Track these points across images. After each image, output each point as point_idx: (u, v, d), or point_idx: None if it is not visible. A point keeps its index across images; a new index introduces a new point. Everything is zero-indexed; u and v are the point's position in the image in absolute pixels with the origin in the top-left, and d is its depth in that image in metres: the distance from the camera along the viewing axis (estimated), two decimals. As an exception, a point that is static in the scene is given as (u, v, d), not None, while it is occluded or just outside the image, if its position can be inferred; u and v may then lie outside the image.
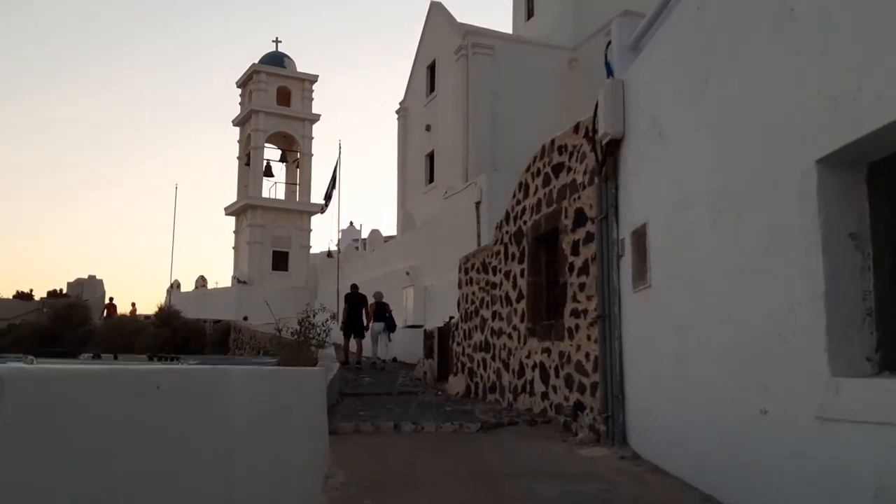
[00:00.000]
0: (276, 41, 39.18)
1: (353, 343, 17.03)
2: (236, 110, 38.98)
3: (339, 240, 32.55)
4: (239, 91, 39.30)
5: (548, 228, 8.79)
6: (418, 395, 12.25)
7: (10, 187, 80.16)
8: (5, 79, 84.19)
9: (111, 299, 37.34)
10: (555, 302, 8.90)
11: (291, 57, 39.01)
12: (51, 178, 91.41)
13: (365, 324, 17.24)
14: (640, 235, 6.10)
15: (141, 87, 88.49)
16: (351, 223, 46.48)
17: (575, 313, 7.87)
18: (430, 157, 24.46)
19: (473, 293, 11.56)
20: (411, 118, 26.53)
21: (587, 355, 7.39)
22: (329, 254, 33.56)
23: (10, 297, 41.13)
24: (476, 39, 21.86)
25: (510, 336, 9.85)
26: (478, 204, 18.66)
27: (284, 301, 34.08)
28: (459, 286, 12.34)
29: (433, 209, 22.08)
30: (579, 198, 7.92)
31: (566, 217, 8.20)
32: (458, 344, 12.21)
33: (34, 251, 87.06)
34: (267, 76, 37.28)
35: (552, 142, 8.80)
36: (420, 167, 25.06)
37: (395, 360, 17.71)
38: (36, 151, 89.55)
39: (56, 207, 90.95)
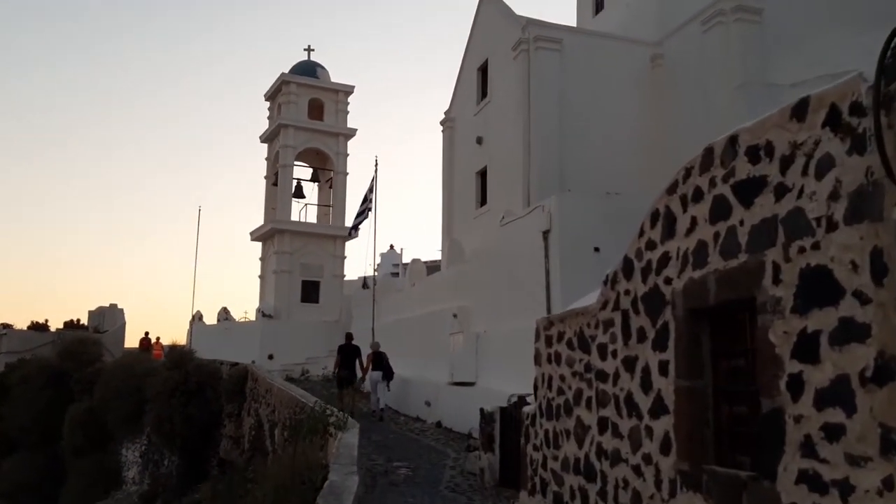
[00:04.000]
0: (309, 49, 35.78)
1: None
2: (265, 125, 35.65)
3: (375, 268, 28.77)
4: (267, 105, 35.98)
5: (724, 297, 4.81)
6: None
7: (33, 212, 78.42)
8: (27, 101, 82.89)
9: (147, 334, 34.32)
10: (736, 431, 4.91)
11: (325, 67, 35.61)
12: (72, 203, 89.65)
13: (360, 374, 18.11)
14: None
15: (164, 102, 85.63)
16: (391, 247, 42.89)
17: (810, 479, 3.87)
18: (482, 174, 20.53)
19: (562, 378, 7.54)
20: (459, 129, 22.65)
21: None
22: (365, 283, 29.82)
23: (25, 328, 38.34)
24: (539, 32, 17.93)
25: (639, 472, 5.82)
26: (546, 233, 14.67)
27: (315, 337, 30.54)
28: (537, 361, 8.33)
29: (486, 238, 18.13)
30: (817, 245, 3.93)
31: (777, 281, 4.21)
32: (537, 449, 8.17)
33: (55, 278, 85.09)
34: (297, 87, 33.83)
35: (732, 139, 4.82)
36: (470, 187, 21.14)
37: (386, 407, 18.42)
38: (54, 174, 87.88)
39: (77, 231, 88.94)
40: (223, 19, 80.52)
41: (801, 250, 4.04)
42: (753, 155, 4.54)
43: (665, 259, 5.60)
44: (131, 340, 37.55)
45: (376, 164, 25.10)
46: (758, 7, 16.42)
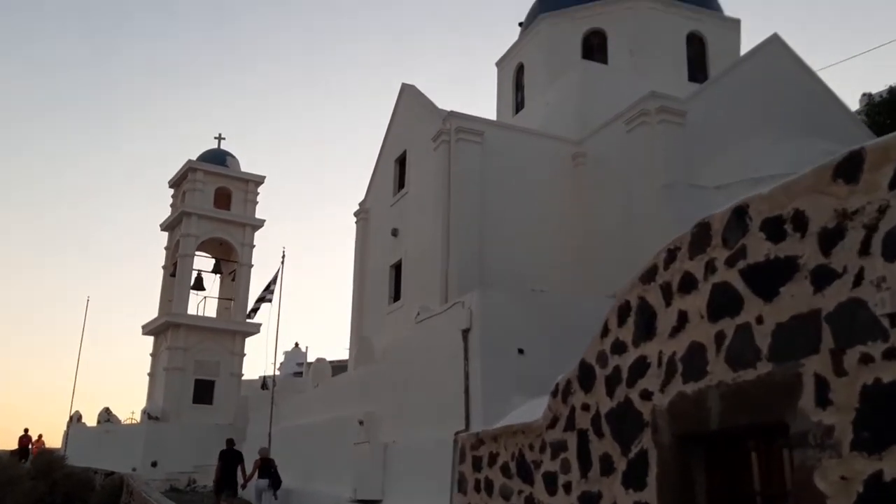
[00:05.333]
0: (219, 138, 34.40)
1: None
2: (167, 213, 33.60)
3: (277, 367, 26.66)
4: (171, 192, 34.08)
5: (734, 422, 3.55)
6: None
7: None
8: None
9: (26, 431, 30.58)
10: None
11: (235, 156, 34.22)
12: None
13: (242, 481, 17.32)
14: None
15: (57, 184, 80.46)
16: (296, 345, 40.59)
17: None
18: (397, 268, 19.24)
19: (495, 512, 6.06)
20: (374, 221, 21.44)
21: None
22: (264, 384, 27.55)
23: None
24: (461, 123, 17.19)
25: None
26: (465, 332, 13.34)
27: (206, 442, 27.61)
28: (461, 488, 6.82)
29: (399, 336, 16.66)
30: (892, 353, 2.74)
31: (825, 402, 2.99)
32: None
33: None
34: (205, 175, 32.21)
35: (739, 211, 3.69)
36: (383, 281, 19.76)
37: None
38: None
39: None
40: (129, 105, 77.85)
41: (866, 360, 2.85)
42: (774, 230, 3.40)
43: (641, 366, 4.34)
44: (8, 440, 33.52)
45: (283, 256, 23.57)
46: (681, 110, 16.20)
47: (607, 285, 16.21)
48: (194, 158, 32.52)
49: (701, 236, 3.93)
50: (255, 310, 23.72)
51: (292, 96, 76.61)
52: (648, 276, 4.36)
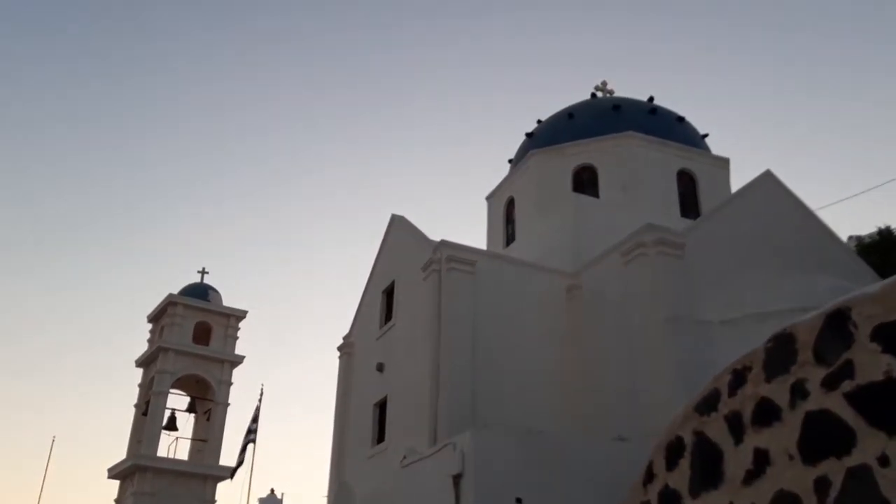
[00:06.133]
0: (203, 272, 33.75)
1: None
2: (144, 348, 32.29)
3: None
4: (149, 327, 32.94)
5: None
6: None
7: None
8: None
9: None
10: None
11: (217, 290, 33.41)
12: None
13: None
14: None
15: (26, 317, 76.87)
16: (272, 491, 38.13)
17: None
18: (381, 406, 18.02)
19: None
20: (358, 355, 20.38)
21: None
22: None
23: None
24: (452, 252, 16.61)
25: None
26: (457, 477, 12.16)
27: None
28: None
29: (383, 482, 15.28)
30: None
31: None
32: None
33: None
34: (185, 309, 31.18)
35: (836, 317, 2.88)
36: (366, 420, 18.46)
37: None
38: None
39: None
40: (109, 238, 76.22)
41: None
42: (894, 338, 2.59)
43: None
44: None
45: (261, 393, 22.29)
46: (679, 242, 15.75)
47: (610, 426, 15.14)
48: (175, 293, 31.68)
49: (781, 352, 3.10)
50: (241, 457, 22.39)
51: (279, 228, 76.18)
52: (708, 404, 3.49)
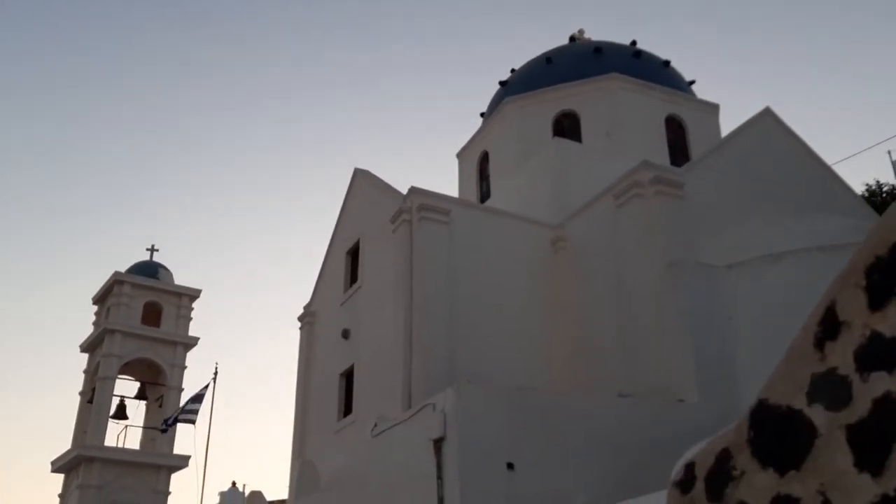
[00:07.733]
0: (152, 249, 31.46)
1: None
2: (89, 332, 29.93)
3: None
4: (95, 308, 30.58)
5: None
6: None
7: None
8: None
9: None
10: None
11: (168, 268, 31.17)
12: None
13: None
14: None
15: None
16: (234, 483, 36.00)
17: None
18: (348, 376, 16.12)
19: None
20: (321, 324, 18.42)
21: None
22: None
23: None
24: (424, 200, 14.78)
25: None
26: (438, 441, 10.38)
27: None
28: None
29: (352, 456, 13.45)
30: None
31: None
32: None
33: None
34: (132, 288, 28.94)
35: None
36: (331, 392, 16.54)
37: None
38: None
39: None
40: (49, 214, 70.64)
41: None
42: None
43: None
44: None
45: (216, 372, 20.28)
46: (679, 181, 14.13)
47: (604, 382, 13.48)
48: (122, 271, 29.38)
49: None
50: (172, 422, 20.46)
51: (234, 200, 71.41)
52: None
